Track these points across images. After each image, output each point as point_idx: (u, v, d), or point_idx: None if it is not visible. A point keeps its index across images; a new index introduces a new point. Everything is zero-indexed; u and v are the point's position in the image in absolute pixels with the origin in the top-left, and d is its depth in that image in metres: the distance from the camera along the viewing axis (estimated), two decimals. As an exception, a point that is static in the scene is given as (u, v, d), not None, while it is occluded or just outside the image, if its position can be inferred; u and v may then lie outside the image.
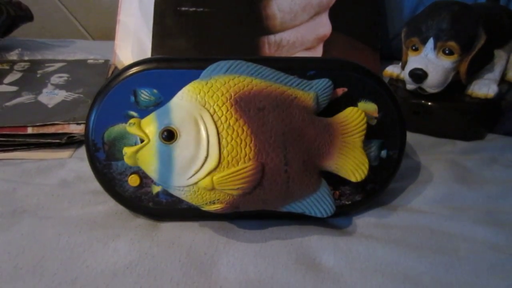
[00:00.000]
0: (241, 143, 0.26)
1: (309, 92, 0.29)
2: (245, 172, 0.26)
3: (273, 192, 0.27)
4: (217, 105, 0.26)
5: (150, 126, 0.27)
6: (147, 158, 0.27)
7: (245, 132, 0.26)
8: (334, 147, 0.29)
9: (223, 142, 0.26)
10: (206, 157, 0.26)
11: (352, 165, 0.29)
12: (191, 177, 0.26)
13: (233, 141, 0.26)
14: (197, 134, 0.26)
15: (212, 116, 0.26)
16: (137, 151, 0.27)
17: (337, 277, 0.27)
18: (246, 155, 0.26)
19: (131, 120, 0.27)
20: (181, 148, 0.26)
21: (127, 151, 0.27)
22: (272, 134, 0.27)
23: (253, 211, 0.29)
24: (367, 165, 0.29)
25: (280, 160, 0.27)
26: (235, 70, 0.28)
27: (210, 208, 0.27)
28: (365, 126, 0.29)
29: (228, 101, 0.27)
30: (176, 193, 0.28)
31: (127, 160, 0.27)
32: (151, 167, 0.27)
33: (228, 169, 0.26)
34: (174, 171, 0.26)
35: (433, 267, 0.28)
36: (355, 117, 0.29)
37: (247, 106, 0.27)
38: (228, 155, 0.26)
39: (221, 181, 0.26)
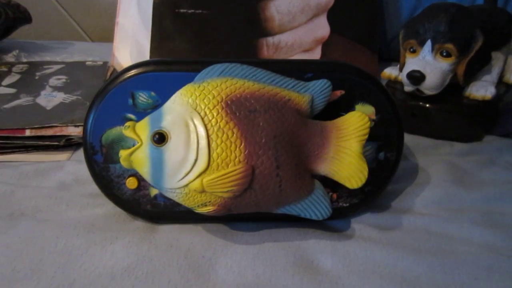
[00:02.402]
0: (230, 146, 0.26)
1: (304, 95, 0.28)
2: (234, 175, 0.26)
3: (265, 195, 0.27)
4: (208, 108, 0.27)
5: (144, 129, 0.27)
6: (141, 160, 0.27)
7: (235, 135, 0.26)
8: (327, 151, 0.28)
9: (213, 144, 0.26)
10: (196, 160, 0.26)
11: (348, 171, 0.28)
12: (181, 179, 0.27)
13: (222, 143, 0.26)
14: (187, 137, 0.26)
15: (202, 119, 0.26)
16: (131, 154, 0.27)
17: (335, 280, 0.27)
18: (235, 157, 0.26)
19: (127, 123, 0.27)
20: (172, 151, 0.26)
21: (122, 154, 0.27)
22: (263, 137, 0.27)
23: (250, 213, 0.29)
24: (365, 172, 0.28)
25: (272, 163, 0.27)
26: (229, 73, 0.28)
27: (203, 210, 0.28)
28: (366, 131, 0.28)
29: (219, 104, 0.27)
30: (169, 195, 0.28)
31: (123, 162, 0.28)
32: (144, 169, 0.27)
33: (218, 171, 0.26)
34: (166, 173, 0.27)
35: (431, 269, 0.28)
36: (355, 121, 0.28)
37: (238, 109, 0.27)
38: (217, 158, 0.26)
39: (211, 184, 0.26)
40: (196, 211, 0.28)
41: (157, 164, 0.27)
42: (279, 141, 0.27)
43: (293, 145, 0.28)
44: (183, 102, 0.27)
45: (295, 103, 0.28)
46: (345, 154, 0.28)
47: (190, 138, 0.26)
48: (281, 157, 0.27)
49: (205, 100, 0.27)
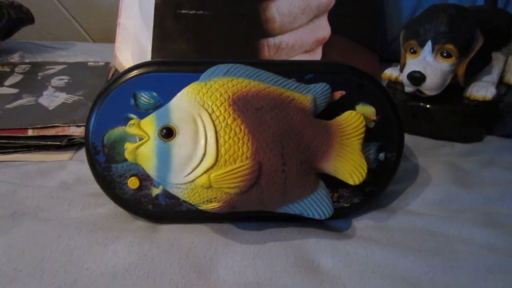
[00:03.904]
0: (238, 142, 0.26)
1: (307, 95, 0.29)
2: (242, 170, 0.26)
3: (270, 191, 0.28)
4: (216, 105, 0.27)
5: (150, 125, 0.27)
6: (146, 155, 0.27)
7: (242, 131, 0.27)
8: (332, 149, 0.29)
9: (221, 140, 0.26)
10: (204, 155, 0.26)
11: (350, 167, 0.29)
12: (188, 174, 0.27)
13: (230, 139, 0.26)
14: (195, 133, 0.27)
15: (210, 115, 0.27)
16: (137, 148, 0.27)
17: (336, 280, 0.27)
18: (243, 153, 0.27)
19: (131, 121, 0.27)
20: (179, 146, 0.26)
21: (128, 146, 0.27)
22: (269, 134, 0.27)
23: (251, 212, 0.30)
24: (365, 168, 0.29)
25: (278, 159, 0.27)
26: (233, 73, 0.28)
27: (207, 207, 0.28)
28: (363, 129, 0.29)
29: (226, 101, 0.27)
30: (173, 191, 0.28)
31: (128, 155, 0.27)
32: (150, 164, 0.27)
33: (225, 167, 0.26)
34: (172, 168, 0.27)
35: (432, 269, 0.28)
36: (354, 120, 0.29)
37: (245, 106, 0.27)
38: (225, 154, 0.26)
39: (218, 179, 0.26)
40: (200, 208, 0.28)
41: (164, 158, 0.27)
42: (285, 138, 0.27)
43: (299, 143, 0.28)
44: (190, 99, 0.27)
45: (299, 102, 0.28)
46: (347, 151, 0.29)
47: (198, 134, 0.27)
48: (287, 154, 0.27)
49: (212, 98, 0.27)
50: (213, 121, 0.27)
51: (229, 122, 0.27)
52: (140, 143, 0.27)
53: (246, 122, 0.27)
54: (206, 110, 0.27)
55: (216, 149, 0.26)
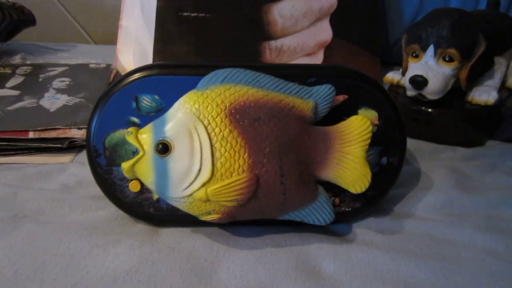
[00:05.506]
0: (234, 155, 0.26)
1: (308, 101, 0.28)
2: (238, 184, 0.26)
3: (270, 203, 0.27)
4: (212, 116, 0.26)
5: (147, 138, 0.27)
6: (144, 170, 0.27)
7: (238, 144, 0.26)
8: (331, 157, 0.28)
9: (217, 154, 0.26)
10: (200, 170, 0.26)
11: (352, 176, 0.28)
12: (185, 188, 0.27)
13: (226, 153, 0.26)
14: (191, 147, 0.26)
15: (206, 127, 0.26)
16: (133, 165, 0.27)
17: (337, 285, 0.27)
18: (240, 166, 0.26)
19: (129, 129, 0.27)
20: (176, 161, 0.26)
21: (124, 166, 0.27)
22: (267, 145, 0.27)
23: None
24: (369, 177, 0.28)
25: (276, 171, 0.27)
26: (232, 79, 0.28)
27: (207, 218, 0.28)
28: (368, 135, 0.28)
29: (223, 112, 0.26)
30: (173, 203, 0.28)
31: (126, 174, 0.28)
32: (148, 179, 0.27)
33: (222, 181, 0.26)
34: (170, 183, 0.27)
35: (433, 275, 0.28)
36: (357, 126, 0.28)
37: (241, 117, 0.27)
38: (221, 167, 0.26)
39: (215, 193, 0.26)
40: (201, 219, 0.28)
41: (162, 174, 0.27)
42: (283, 149, 0.27)
43: (297, 153, 0.28)
44: (186, 110, 0.27)
45: (299, 110, 0.28)
46: (348, 159, 0.28)
47: (193, 148, 0.26)
48: (285, 165, 0.27)
49: (208, 108, 0.27)
50: (208, 134, 0.26)
51: (225, 135, 0.26)
52: (136, 160, 0.27)
53: (242, 134, 0.26)
54: (202, 122, 0.26)
55: (211, 163, 0.26)
